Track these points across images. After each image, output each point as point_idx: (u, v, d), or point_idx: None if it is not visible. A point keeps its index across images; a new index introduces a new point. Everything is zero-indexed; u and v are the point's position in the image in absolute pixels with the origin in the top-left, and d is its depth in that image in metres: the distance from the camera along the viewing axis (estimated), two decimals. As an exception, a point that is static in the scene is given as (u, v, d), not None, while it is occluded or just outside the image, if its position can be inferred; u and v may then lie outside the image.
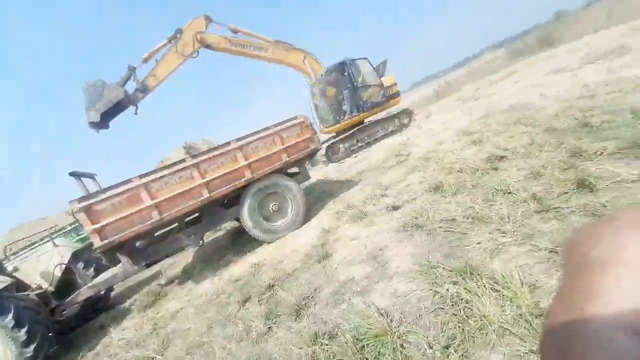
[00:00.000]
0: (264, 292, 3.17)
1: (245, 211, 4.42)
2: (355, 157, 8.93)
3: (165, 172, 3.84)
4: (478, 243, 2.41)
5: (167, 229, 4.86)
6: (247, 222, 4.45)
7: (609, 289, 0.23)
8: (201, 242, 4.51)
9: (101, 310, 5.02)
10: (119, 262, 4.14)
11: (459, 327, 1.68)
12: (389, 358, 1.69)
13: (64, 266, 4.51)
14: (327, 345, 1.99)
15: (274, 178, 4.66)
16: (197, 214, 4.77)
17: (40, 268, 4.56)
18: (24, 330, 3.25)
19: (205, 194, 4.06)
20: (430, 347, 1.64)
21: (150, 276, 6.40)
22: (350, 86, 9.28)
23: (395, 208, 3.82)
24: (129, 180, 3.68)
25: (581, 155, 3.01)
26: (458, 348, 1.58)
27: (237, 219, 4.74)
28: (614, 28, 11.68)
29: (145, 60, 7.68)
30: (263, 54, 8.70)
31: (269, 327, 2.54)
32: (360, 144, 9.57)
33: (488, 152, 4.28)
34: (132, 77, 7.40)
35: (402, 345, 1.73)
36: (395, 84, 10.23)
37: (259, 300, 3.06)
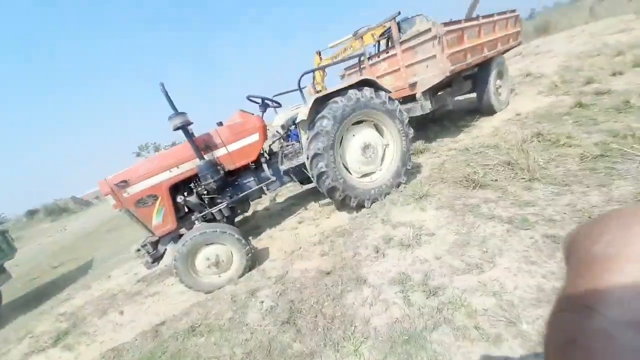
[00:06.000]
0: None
1: (492, 77, 5.29)
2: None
3: (476, 22, 4.55)
4: None
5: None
6: (492, 87, 5.33)
7: (614, 284, 0.23)
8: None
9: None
10: None
11: None
12: None
13: None
14: None
15: (501, 57, 5.63)
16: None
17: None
18: (411, 131, 3.70)
19: (485, 52, 4.86)
20: None
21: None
22: None
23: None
24: (458, 21, 4.29)
25: None
26: None
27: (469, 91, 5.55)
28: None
29: None
30: None
31: None
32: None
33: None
34: None
35: None
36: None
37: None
